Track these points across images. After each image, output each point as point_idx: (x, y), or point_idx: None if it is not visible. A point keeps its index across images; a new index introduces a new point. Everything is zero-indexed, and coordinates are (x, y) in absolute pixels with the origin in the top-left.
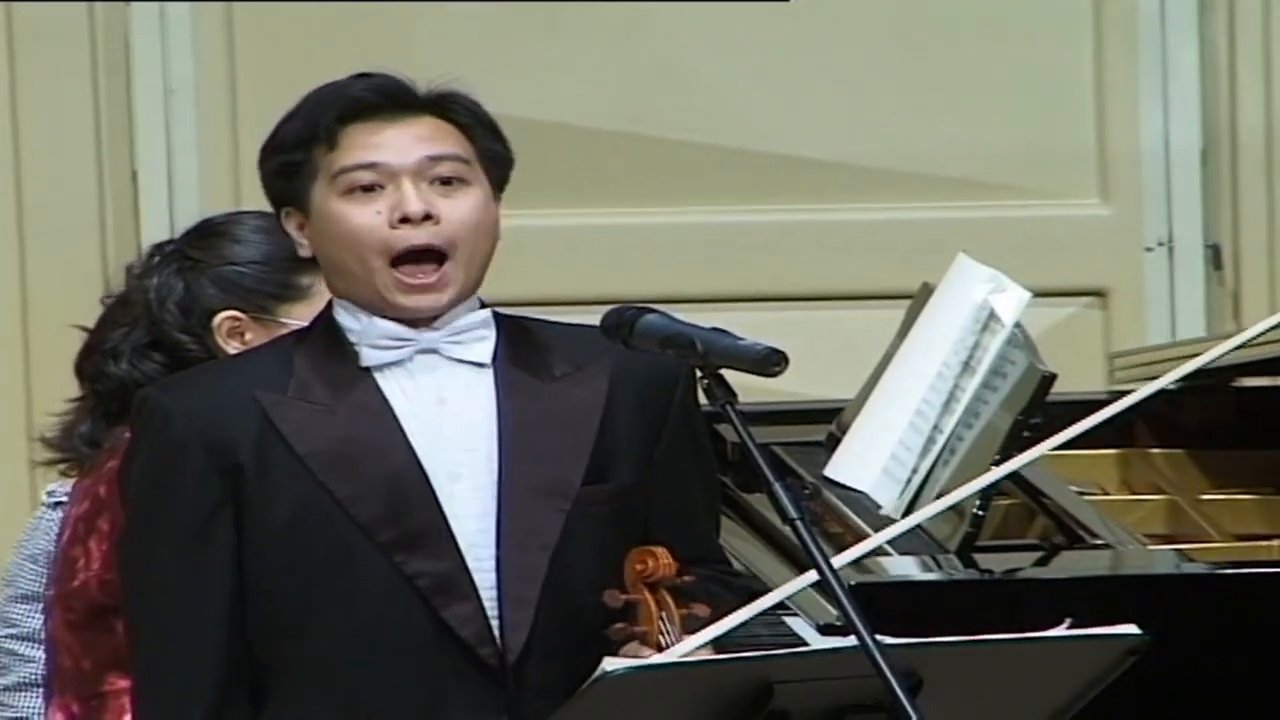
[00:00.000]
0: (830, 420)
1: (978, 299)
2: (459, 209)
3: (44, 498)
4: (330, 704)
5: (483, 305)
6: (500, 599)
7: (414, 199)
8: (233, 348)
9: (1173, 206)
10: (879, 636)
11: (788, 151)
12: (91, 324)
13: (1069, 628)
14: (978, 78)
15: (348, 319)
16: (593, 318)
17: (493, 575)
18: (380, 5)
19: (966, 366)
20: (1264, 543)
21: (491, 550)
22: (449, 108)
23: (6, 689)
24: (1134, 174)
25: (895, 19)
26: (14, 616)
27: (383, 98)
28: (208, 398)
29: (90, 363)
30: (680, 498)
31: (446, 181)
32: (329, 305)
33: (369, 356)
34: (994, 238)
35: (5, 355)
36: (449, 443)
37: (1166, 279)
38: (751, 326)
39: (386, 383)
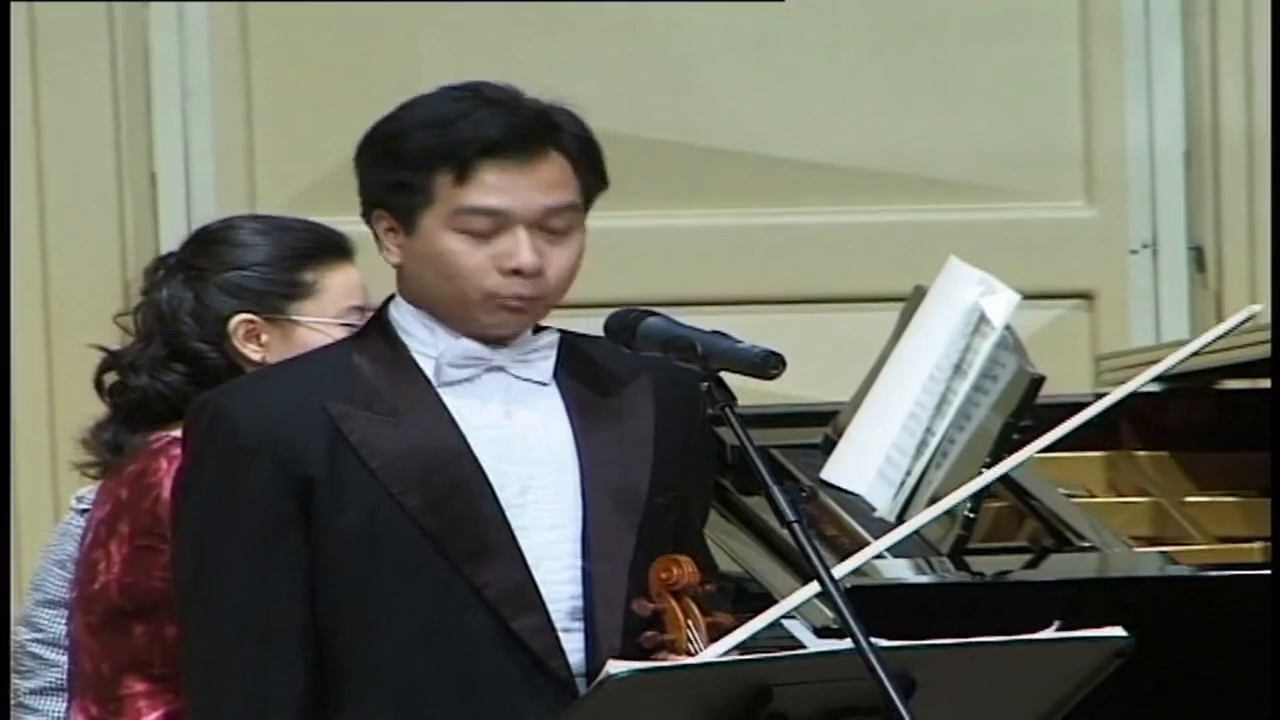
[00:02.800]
0: (826, 423)
1: (968, 302)
2: (563, 258)
3: (73, 503)
4: (401, 712)
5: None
6: (588, 615)
7: (528, 252)
8: (251, 350)
9: (1157, 208)
10: (874, 639)
11: (778, 154)
12: (111, 326)
13: (1057, 630)
14: (965, 81)
15: (416, 327)
16: (592, 321)
17: (564, 588)
18: (390, 9)
19: (958, 369)
20: (1245, 544)
21: (563, 563)
22: (568, 143)
23: (31, 692)
24: (1119, 176)
25: (882, 22)
26: (40, 621)
27: (516, 137)
28: (275, 406)
29: (109, 377)
30: (690, 512)
31: (557, 230)
32: (383, 306)
33: (447, 374)
34: (981, 240)
35: (28, 356)
36: (519, 455)
37: (1151, 281)
38: (746, 329)
39: (452, 395)
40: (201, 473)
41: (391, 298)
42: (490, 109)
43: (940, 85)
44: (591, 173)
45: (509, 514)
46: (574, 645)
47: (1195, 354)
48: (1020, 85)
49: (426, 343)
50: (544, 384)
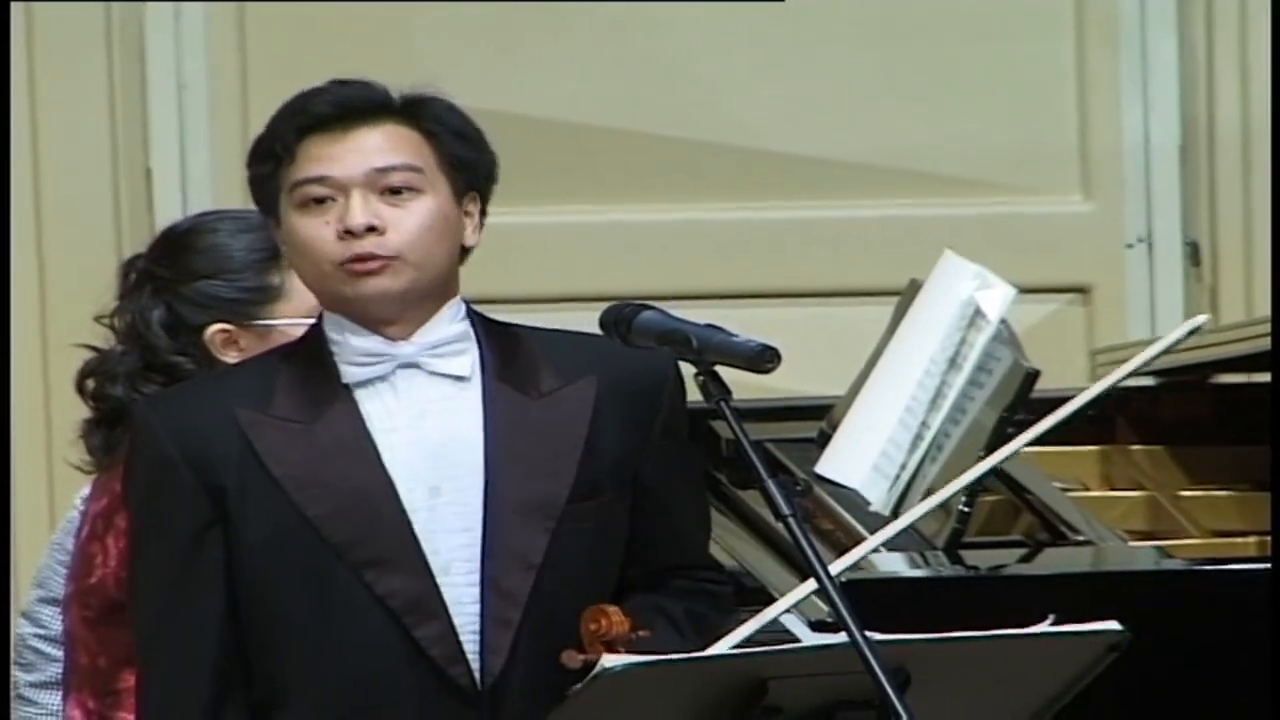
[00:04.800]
0: (821, 416)
1: (964, 296)
2: (407, 219)
3: (76, 501)
4: None
5: (469, 308)
6: (482, 619)
7: (358, 212)
8: (230, 357)
9: (1152, 203)
10: (869, 633)
11: (777, 149)
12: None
13: (1052, 624)
14: (962, 76)
15: (333, 331)
16: (587, 315)
17: (474, 592)
18: (387, 7)
19: (953, 363)
20: (1240, 539)
21: (472, 567)
22: (413, 114)
23: (31, 685)
24: (1115, 171)
25: (879, 18)
26: (42, 617)
27: (338, 110)
28: (193, 416)
29: (89, 383)
30: (664, 506)
31: (396, 191)
32: (320, 316)
33: (349, 374)
34: (977, 235)
35: (24, 350)
36: (431, 458)
37: (1146, 275)
38: (741, 323)
39: (368, 398)
40: (133, 482)
41: None
42: (317, 94)
43: (937, 81)
44: (459, 145)
45: (419, 518)
46: (477, 651)
47: (1140, 370)
48: (1016, 81)
49: (340, 344)
50: (464, 378)
